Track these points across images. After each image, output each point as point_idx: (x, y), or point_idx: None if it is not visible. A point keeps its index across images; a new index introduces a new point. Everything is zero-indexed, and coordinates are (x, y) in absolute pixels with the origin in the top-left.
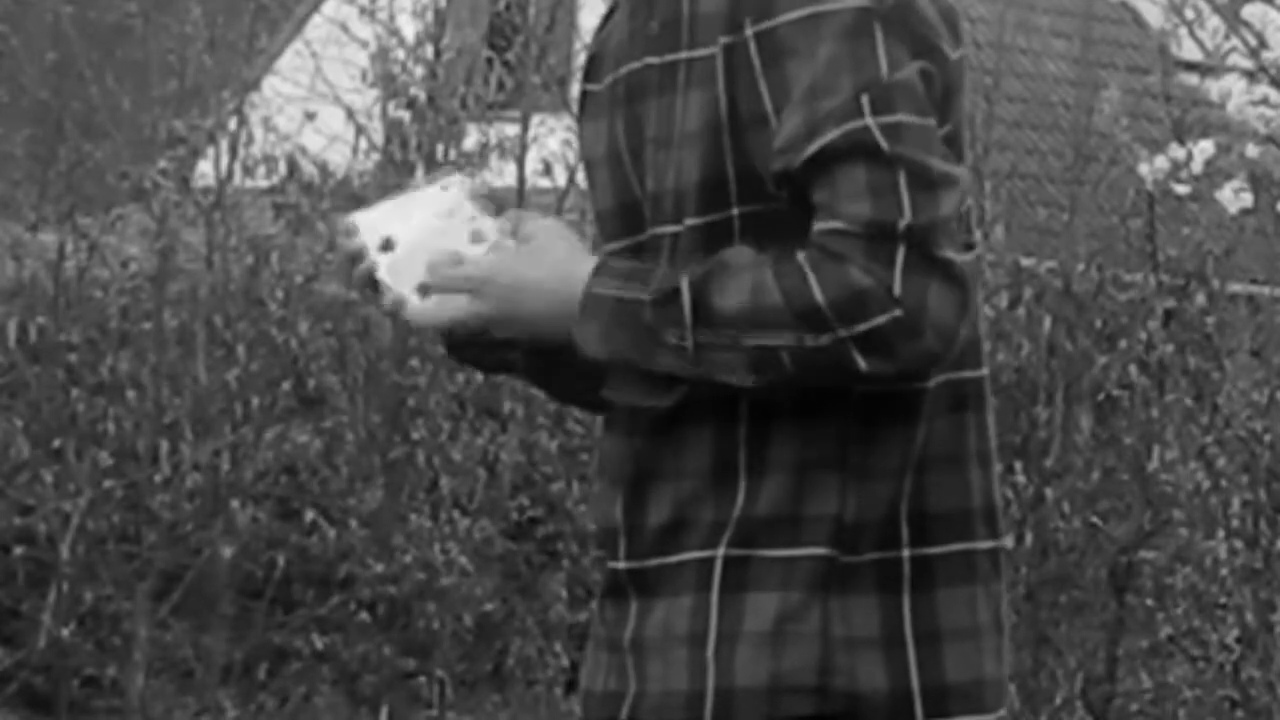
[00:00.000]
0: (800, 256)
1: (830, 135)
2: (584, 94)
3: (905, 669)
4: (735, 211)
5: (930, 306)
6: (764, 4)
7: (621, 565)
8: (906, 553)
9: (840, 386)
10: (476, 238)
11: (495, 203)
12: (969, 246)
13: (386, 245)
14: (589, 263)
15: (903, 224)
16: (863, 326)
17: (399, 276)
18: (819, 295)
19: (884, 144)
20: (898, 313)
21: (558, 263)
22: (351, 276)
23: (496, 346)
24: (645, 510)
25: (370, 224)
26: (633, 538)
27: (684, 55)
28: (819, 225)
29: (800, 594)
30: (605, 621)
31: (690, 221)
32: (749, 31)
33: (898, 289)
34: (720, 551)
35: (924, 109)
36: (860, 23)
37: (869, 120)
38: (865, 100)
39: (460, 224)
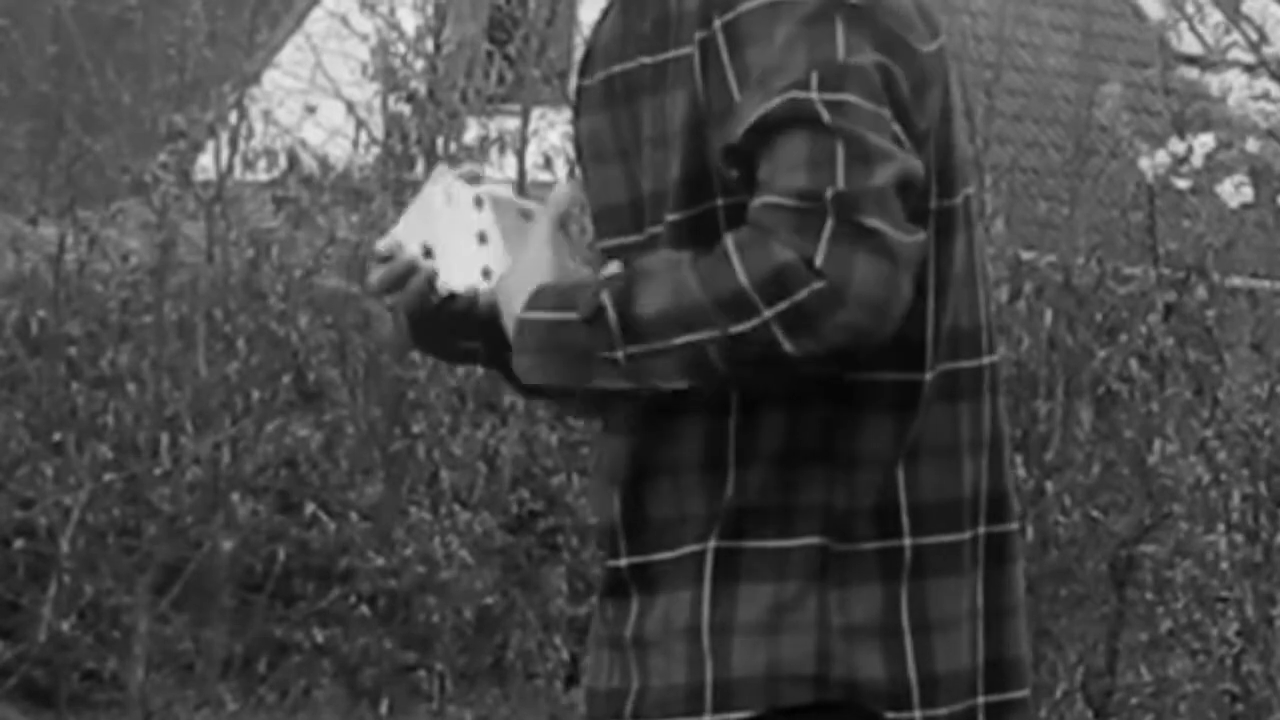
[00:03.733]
0: (728, 239)
1: (772, 104)
2: (579, 89)
3: (903, 658)
4: (720, 203)
5: (854, 278)
6: None
7: (624, 562)
8: (908, 541)
9: (777, 381)
10: (479, 203)
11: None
12: (925, 227)
13: (428, 253)
14: (528, 292)
15: (831, 191)
16: (784, 304)
17: (454, 275)
18: (742, 277)
19: (825, 116)
20: (818, 285)
21: (511, 291)
22: (411, 288)
23: (457, 334)
24: (646, 505)
25: (404, 239)
26: (634, 534)
27: (671, 54)
28: (754, 200)
29: (796, 583)
30: (606, 620)
31: (671, 218)
32: (717, 24)
33: (819, 260)
34: (711, 544)
35: (877, 97)
36: (822, 11)
37: (814, 94)
38: (814, 76)
39: (463, 203)
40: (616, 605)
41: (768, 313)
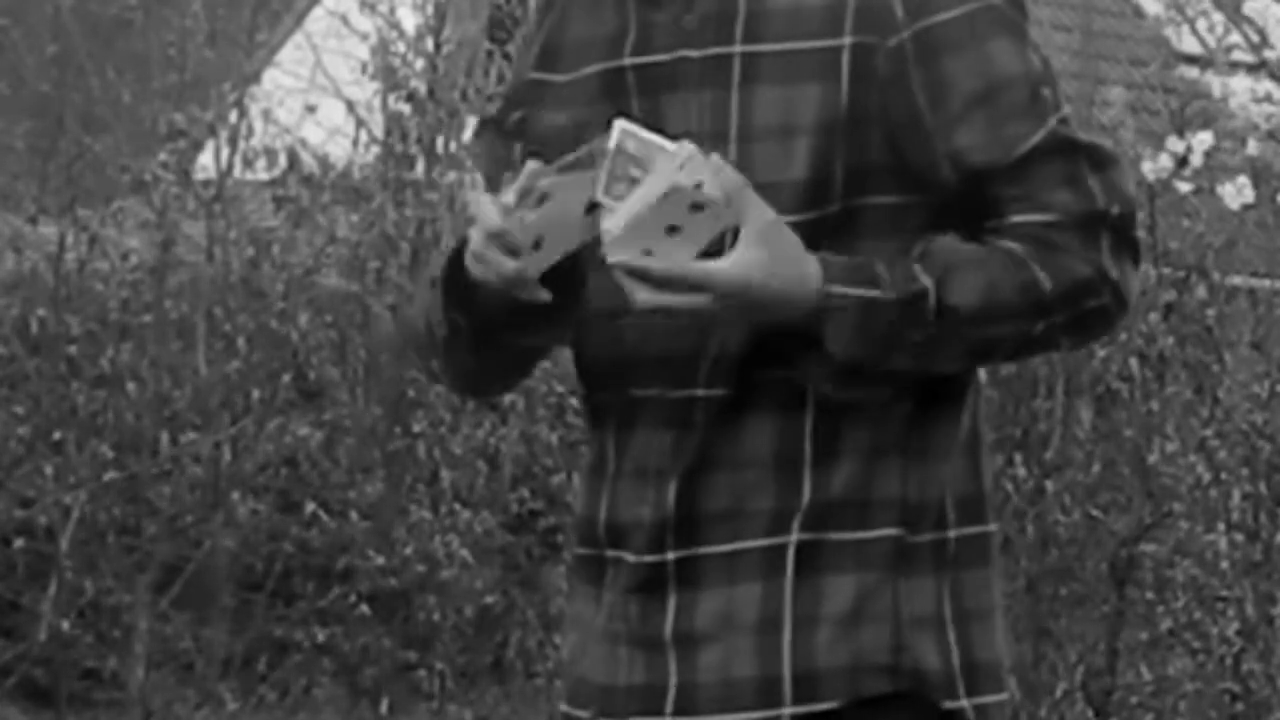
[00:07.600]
0: (1018, 249)
1: (1038, 135)
2: (539, 83)
3: (948, 648)
4: (836, 208)
5: (1132, 287)
6: (921, 4)
7: (670, 556)
8: (953, 533)
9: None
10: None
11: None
12: None
13: (537, 245)
14: (813, 260)
15: (1111, 211)
16: (1073, 311)
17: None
18: (1047, 286)
19: (1072, 135)
20: (1109, 298)
21: (791, 262)
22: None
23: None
24: (698, 500)
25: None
26: (684, 529)
27: (738, 49)
28: (1026, 217)
29: (875, 574)
30: (628, 617)
31: (788, 219)
32: (905, 34)
33: (1113, 274)
34: (793, 537)
35: (1065, 95)
36: (1009, 17)
37: (1053, 118)
38: (1046, 95)
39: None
40: (644, 601)
41: (1059, 319)
